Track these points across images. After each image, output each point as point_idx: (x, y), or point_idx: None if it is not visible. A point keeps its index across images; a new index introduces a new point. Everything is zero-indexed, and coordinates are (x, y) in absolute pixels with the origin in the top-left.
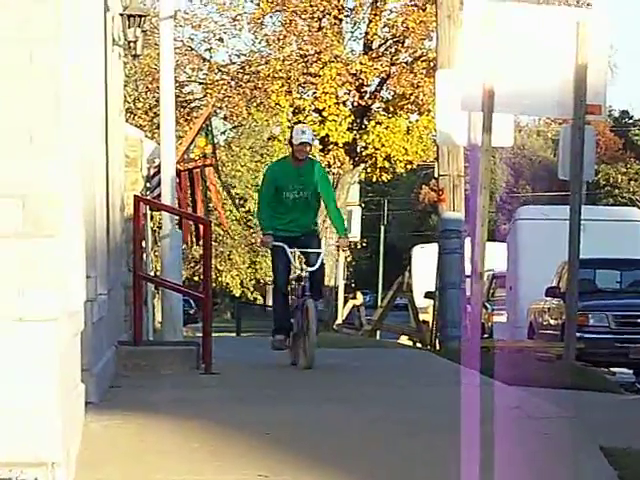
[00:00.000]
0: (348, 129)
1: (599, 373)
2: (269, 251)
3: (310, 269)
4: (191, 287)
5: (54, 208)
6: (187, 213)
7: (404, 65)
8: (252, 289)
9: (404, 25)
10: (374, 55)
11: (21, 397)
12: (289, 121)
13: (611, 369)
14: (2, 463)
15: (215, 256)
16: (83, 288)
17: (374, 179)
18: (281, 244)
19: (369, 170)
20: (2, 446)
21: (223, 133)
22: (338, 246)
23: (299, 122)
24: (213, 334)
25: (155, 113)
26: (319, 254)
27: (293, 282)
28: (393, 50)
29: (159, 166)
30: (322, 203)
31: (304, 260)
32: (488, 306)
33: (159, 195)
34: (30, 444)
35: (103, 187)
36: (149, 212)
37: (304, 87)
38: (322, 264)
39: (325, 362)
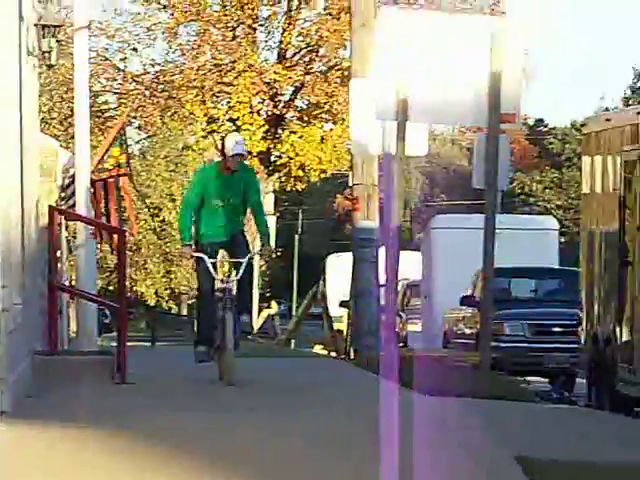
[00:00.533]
0: (262, 138)
1: (514, 382)
2: (192, 260)
3: (233, 278)
4: (106, 296)
5: None
6: (101, 223)
7: (318, 74)
8: (167, 298)
9: (318, 34)
10: (288, 64)
11: None
12: (203, 130)
13: (526, 378)
14: None
15: (130, 265)
16: None
17: (288, 188)
18: (202, 255)
19: (283, 179)
20: None
21: (137, 143)
22: (261, 254)
23: (213, 132)
24: (128, 344)
25: (70, 123)
26: (242, 263)
27: (218, 293)
28: (307, 59)
29: (74, 176)
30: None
31: (230, 267)
32: (403, 315)
33: (74, 205)
34: None
35: (18, 197)
36: (64, 222)
37: (218, 96)
38: (247, 272)
39: (241, 374)
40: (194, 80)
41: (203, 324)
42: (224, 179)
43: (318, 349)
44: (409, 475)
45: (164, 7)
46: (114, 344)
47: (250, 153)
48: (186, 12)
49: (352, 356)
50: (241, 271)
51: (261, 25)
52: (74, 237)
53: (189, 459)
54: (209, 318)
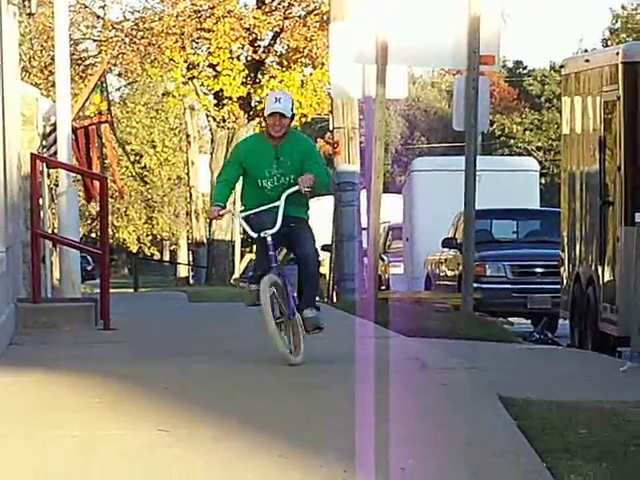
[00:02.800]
0: (242, 83)
1: (497, 323)
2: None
3: (268, 233)
4: (88, 244)
5: None
6: (83, 170)
7: (297, 19)
8: (149, 245)
9: None
10: (267, 9)
11: None
12: (183, 77)
13: (509, 319)
14: None
15: (111, 212)
16: None
17: None
18: (230, 211)
19: (263, 124)
20: None
21: (118, 90)
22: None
23: (193, 78)
24: (111, 290)
25: (50, 71)
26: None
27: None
28: (286, 4)
29: (55, 124)
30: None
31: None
32: (385, 258)
33: (55, 153)
34: None
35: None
36: (46, 170)
37: (198, 42)
38: (313, 256)
39: (227, 315)
40: (173, 27)
41: (257, 263)
42: (269, 152)
43: None
44: (390, 413)
45: None
46: (97, 291)
47: (231, 99)
48: None
49: (334, 299)
50: (278, 222)
51: None
52: (56, 185)
53: (170, 404)
54: (264, 258)
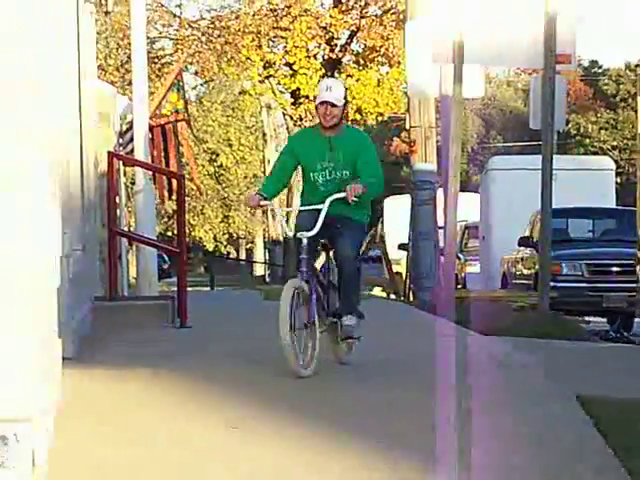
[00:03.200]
0: (319, 82)
1: (573, 322)
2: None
3: (306, 234)
4: (164, 242)
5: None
6: (160, 168)
7: (374, 18)
8: (225, 243)
9: None
10: (344, 8)
11: None
12: (260, 75)
13: (585, 318)
14: None
15: (188, 211)
16: (59, 243)
17: None
18: (269, 204)
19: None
20: None
21: (194, 88)
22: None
23: (269, 76)
24: (188, 288)
25: (127, 69)
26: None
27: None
28: (363, 3)
29: (131, 122)
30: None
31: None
32: (461, 257)
33: (132, 151)
34: (9, 399)
35: (77, 143)
36: (122, 168)
37: (274, 41)
38: (351, 261)
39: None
40: (250, 25)
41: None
42: (321, 144)
43: (377, 291)
44: (467, 412)
45: None
46: (173, 289)
47: (308, 97)
48: None
49: (411, 298)
50: (317, 225)
51: None
52: (132, 183)
53: (245, 402)
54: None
